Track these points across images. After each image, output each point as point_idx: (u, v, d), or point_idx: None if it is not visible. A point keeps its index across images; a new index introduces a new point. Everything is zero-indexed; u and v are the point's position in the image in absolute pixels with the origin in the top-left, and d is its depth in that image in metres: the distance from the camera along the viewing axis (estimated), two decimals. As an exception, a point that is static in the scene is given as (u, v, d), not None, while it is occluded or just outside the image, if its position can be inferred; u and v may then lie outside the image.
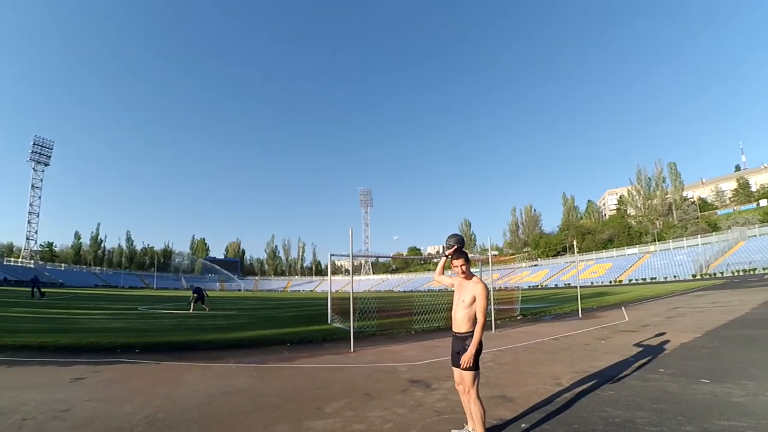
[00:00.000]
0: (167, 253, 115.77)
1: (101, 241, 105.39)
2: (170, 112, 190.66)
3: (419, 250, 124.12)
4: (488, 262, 13.01)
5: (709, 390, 4.46)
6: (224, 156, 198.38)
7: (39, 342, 8.03)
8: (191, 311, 17.36)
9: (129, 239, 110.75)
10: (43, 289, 28.24)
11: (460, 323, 3.22)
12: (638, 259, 59.81)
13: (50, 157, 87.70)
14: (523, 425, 3.58)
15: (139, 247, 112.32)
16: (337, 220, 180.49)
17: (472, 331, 3.15)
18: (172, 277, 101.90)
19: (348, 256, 9.40)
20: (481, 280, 3.26)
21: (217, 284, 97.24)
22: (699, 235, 58.42)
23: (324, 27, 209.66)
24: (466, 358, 3.08)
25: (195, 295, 18.19)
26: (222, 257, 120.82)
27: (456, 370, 3.27)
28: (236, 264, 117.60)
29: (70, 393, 4.75)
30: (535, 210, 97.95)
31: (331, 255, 13.91)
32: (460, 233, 3.74)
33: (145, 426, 3.63)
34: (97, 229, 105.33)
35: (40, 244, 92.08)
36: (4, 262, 77.15)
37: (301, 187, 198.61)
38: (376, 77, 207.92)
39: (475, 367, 3.11)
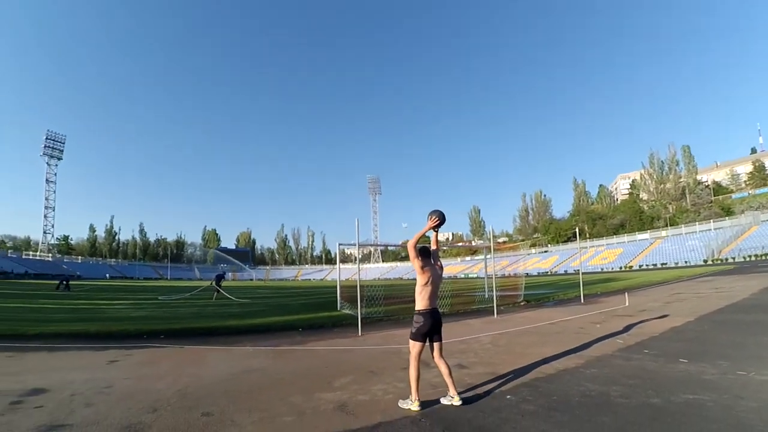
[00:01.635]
0: (180, 244, 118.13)
1: (116, 233, 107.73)
2: (177, 106, 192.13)
3: (428, 237, 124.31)
4: (491, 249, 13.44)
5: (685, 369, 4.88)
6: (233, 147, 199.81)
7: (71, 330, 8.72)
8: (214, 298, 18.99)
9: (142, 231, 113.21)
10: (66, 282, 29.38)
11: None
12: (649, 245, 59.50)
13: (63, 151, 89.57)
14: (508, 396, 4.06)
15: (152, 238, 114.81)
16: (347, 208, 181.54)
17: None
18: (185, 268, 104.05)
19: (355, 245, 9.94)
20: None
21: (229, 274, 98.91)
22: (712, 220, 57.80)
23: (332, 18, 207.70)
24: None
25: (214, 283, 20.21)
26: (233, 247, 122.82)
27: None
28: (247, 254, 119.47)
29: (109, 373, 5.36)
30: (545, 195, 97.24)
31: (340, 244, 14.45)
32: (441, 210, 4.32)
33: (178, 398, 4.19)
34: (111, 222, 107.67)
35: (57, 238, 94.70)
36: (23, 256, 79.83)
37: (310, 176, 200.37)
38: (385, 65, 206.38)
39: (412, 337, 3.86)
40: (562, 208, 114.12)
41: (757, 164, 77.49)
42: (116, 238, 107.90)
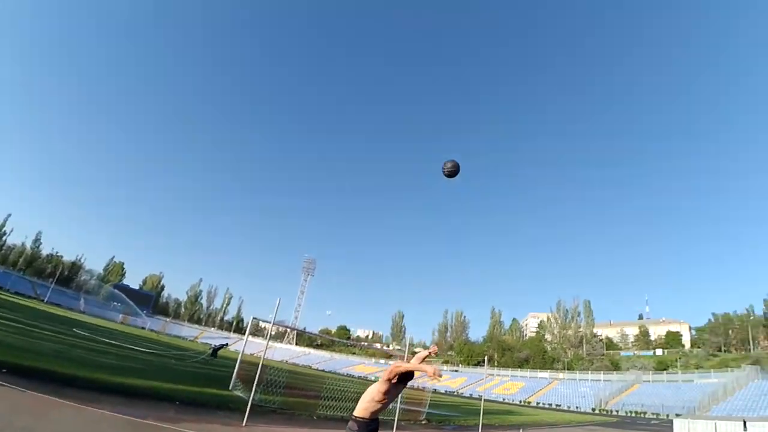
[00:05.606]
0: (75, 267, 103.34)
1: (4, 233, 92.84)
2: (116, 122, 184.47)
3: (348, 330, 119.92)
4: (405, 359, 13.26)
5: None
6: (167, 184, 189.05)
7: None
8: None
9: (37, 240, 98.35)
10: None
11: None
12: (548, 384, 62.01)
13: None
14: None
15: (45, 251, 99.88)
16: (274, 279, 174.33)
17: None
18: (71, 295, 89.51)
19: (270, 322, 9.47)
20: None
21: (120, 316, 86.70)
22: (602, 372, 62.65)
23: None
24: None
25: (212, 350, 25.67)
26: (137, 287, 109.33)
27: None
28: (150, 298, 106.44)
29: None
30: (464, 316, 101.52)
31: (254, 318, 13.55)
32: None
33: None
34: (5, 220, 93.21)
35: None
36: None
37: (239, 237, 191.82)
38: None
39: None
40: (477, 332, 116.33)
41: (642, 329, 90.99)
42: (3, 239, 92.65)
